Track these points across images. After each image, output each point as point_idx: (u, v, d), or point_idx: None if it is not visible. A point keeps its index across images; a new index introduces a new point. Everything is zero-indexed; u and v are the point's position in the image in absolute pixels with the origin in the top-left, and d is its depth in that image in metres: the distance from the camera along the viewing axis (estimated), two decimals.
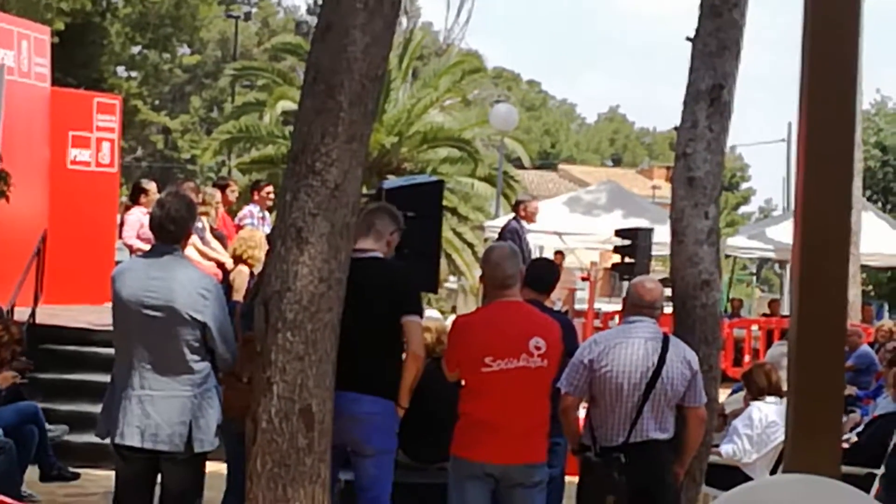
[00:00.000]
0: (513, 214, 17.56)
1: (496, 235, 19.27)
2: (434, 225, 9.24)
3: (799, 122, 3.05)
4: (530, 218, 16.71)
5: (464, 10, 51.16)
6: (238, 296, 12.07)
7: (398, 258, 8.09)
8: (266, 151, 31.94)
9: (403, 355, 7.35)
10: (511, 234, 15.79)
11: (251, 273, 12.37)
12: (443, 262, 25.50)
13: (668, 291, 8.74)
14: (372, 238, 7.38)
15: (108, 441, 7.06)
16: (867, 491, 8.37)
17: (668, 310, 8.55)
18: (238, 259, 12.48)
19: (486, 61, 56.11)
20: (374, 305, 7.14)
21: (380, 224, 7.43)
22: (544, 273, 9.02)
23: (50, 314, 13.69)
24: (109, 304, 7.24)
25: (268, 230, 12.95)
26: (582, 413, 7.68)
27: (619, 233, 17.60)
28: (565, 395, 7.36)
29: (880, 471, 9.68)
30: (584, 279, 20.68)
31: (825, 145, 2.97)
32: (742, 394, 10.87)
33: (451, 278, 33.37)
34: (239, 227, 14.58)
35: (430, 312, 26.15)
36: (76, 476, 10.37)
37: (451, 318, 12.78)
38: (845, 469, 9.12)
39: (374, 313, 7.14)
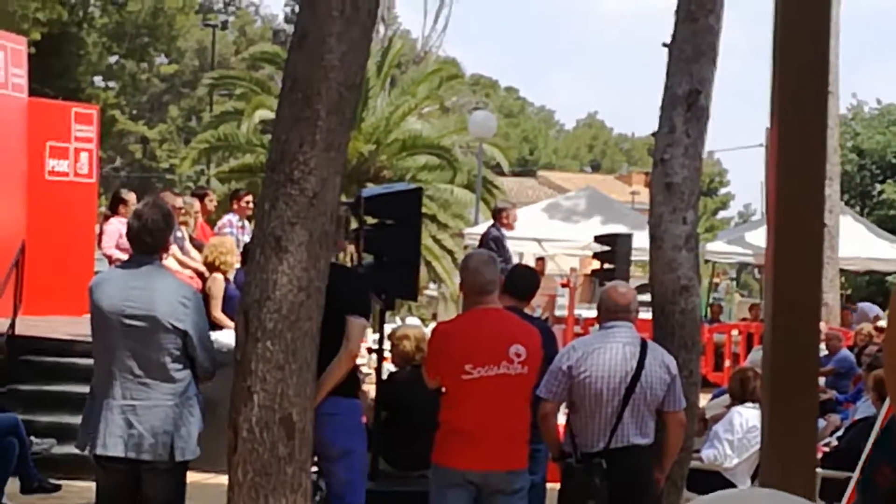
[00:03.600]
0: (492, 221, 17.56)
1: (476, 243, 19.29)
2: (413, 232, 9.25)
3: (770, 128, 3.07)
4: (510, 225, 16.74)
5: (441, 17, 51.25)
6: (215, 303, 12.06)
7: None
8: (245, 160, 31.92)
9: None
10: (493, 242, 15.81)
11: (226, 280, 12.37)
12: (422, 269, 25.51)
13: (647, 297, 8.78)
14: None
15: (88, 452, 7.05)
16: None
17: (648, 315, 8.57)
18: (211, 266, 12.47)
19: (463, 68, 56.23)
20: (327, 308, 7.09)
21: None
22: (524, 280, 9.03)
23: (29, 325, 13.64)
24: (88, 315, 7.22)
25: (247, 239, 12.95)
26: (562, 419, 7.69)
27: (598, 239, 17.59)
28: (544, 401, 7.36)
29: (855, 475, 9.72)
30: (563, 285, 20.69)
31: (797, 151, 2.99)
32: (722, 398, 10.90)
33: (432, 285, 33.40)
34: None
35: (411, 320, 26.17)
36: (57, 488, 10.34)
37: (432, 325, 12.79)
38: (825, 473, 9.16)
39: (328, 315, 7.10)
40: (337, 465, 7.22)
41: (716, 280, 34.88)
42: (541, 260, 24.81)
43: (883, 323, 22.18)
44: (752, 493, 1.80)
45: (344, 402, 7.19)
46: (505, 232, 16.60)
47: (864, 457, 4.96)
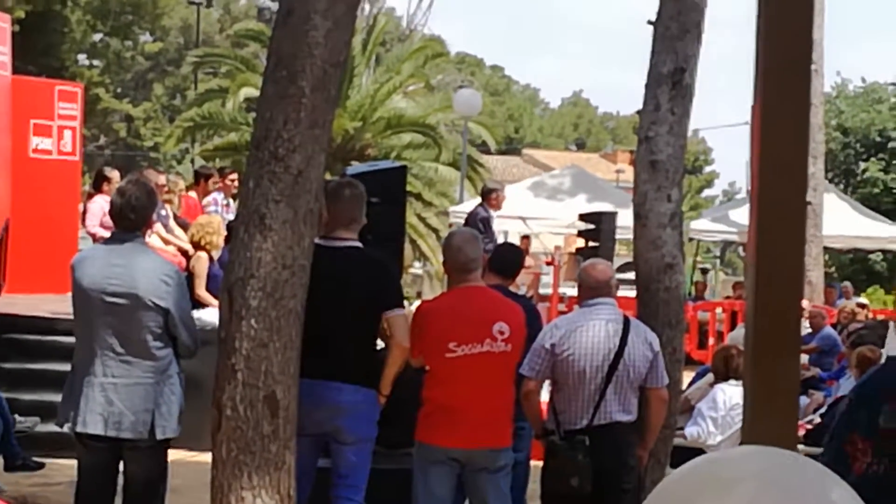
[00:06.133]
0: (479, 201, 17.52)
1: (461, 221, 19.27)
2: (398, 210, 9.23)
3: (753, 105, 3.07)
4: (498, 206, 16.74)
5: None
6: (199, 282, 12.05)
7: (363, 244, 8.08)
8: (229, 138, 31.88)
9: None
10: (481, 223, 15.78)
11: (210, 258, 12.35)
12: (407, 247, 25.51)
13: (631, 275, 8.79)
14: (352, 227, 7.35)
15: (69, 429, 7.04)
16: None
17: (632, 293, 8.57)
18: (196, 245, 12.46)
19: (448, 46, 56.08)
20: (357, 297, 7.12)
21: (359, 214, 7.40)
22: (509, 258, 9.02)
23: (12, 303, 13.61)
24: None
25: (231, 217, 12.93)
26: (545, 397, 7.71)
27: (583, 217, 17.61)
28: (527, 379, 7.37)
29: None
30: (548, 263, 20.70)
31: (780, 128, 2.99)
32: (703, 381, 10.93)
33: (416, 264, 33.41)
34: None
35: None
36: (41, 465, 10.32)
37: (417, 303, 12.79)
38: (807, 450, 9.19)
39: (357, 305, 7.12)
40: (348, 450, 7.21)
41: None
42: (526, 238, 24.80)
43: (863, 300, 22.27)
44: (732, 455, 1.79)
45: (365, 392, 7.18)
46: (493, 213, 16.59)
47: (833, 424, 4.97)
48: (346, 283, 7.09)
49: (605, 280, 7.53)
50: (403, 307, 7.44)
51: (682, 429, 9.67)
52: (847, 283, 27.53)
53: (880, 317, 19.76)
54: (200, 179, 16.14)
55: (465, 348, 7.09)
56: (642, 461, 7.65)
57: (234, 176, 15.96)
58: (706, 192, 78.96)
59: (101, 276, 6.86)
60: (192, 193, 15.92)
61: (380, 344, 7.50)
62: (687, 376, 10.22)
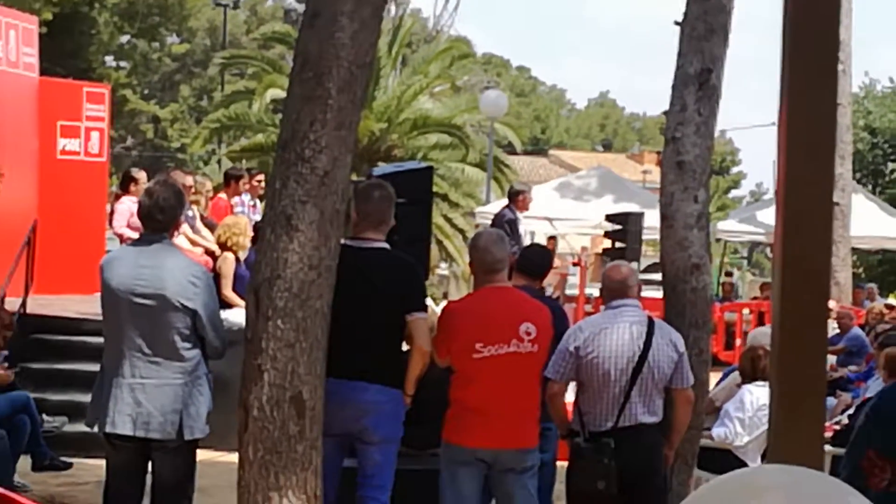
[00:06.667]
0: (506, 202, 17.49)
1: (487, 222, 19.25)
2: (424, 211, 9.23)
3: (780, 106, 3.06)
4: (525, 208, 16.72)
5: None
6: (226, 282, 12.07)
7: (389, 244, 8.09)
8: (256, 139, 31.89)
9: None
10: (508, 224, 15.75)
11: (237, 259, 12.38)
12: (434, 248, 25.50)
13: (658, 275, 8.78)
14: (380, 229, 7.36)
15: (97, 430, 7.07)
16: None
17: (659, 294, 8.55)
18: (223, 246, 12.49)
19: (475, 47, 56.15)
20: (384, 298, 7.13)
21: (388, 216, 7.41)
22: (538, 259, 9.02)
23: (41, 304, 13.67)
24: (99, 294, 7.24)
25: (258, 218, 12.95)
26: (570, 398, 7.70)
27: (609, 218, 17.58)
28: (552, 382, 7.36)
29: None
30: (574, 264, 20.68)
31: (807, 128, 2.98)
32: (728, 381, 10.89)
33: (443, 264, 33.36)
34: None
35: None
36: (69, 465, 10.37)
37: (443, 304, 12.80)
38: (834, 450, 9.15)
39: (384, 306, 7.13)
40: (374, 450, 7.22)
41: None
42: (552, 239, 24.79)
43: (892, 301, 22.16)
44: (763, 469, 1.82)
45: (390, 392, 7.19)
46: (518, 214, 16.57)
47: (850, 438, 4.94)
48: (372, 284, 7.10)
49: (625, 280, 7.52)
50: (426, 310, 7.45)
51: (709, 429, 9.64)
52: (872, 285, 27.41)
53: None
54: (231, 181, 16.14)
55: (492, 349, 7.09)
56: (668, 462, 7.64)
57: (261, 177, 15.98)
58: (733, 193, 78.72)
59: (130, 277, 6.89)
60: (223, 195, 15.93)
61: (405, 346, 7.51)
62: (714, 377, 10.19)
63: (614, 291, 7.50)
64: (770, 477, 1.70)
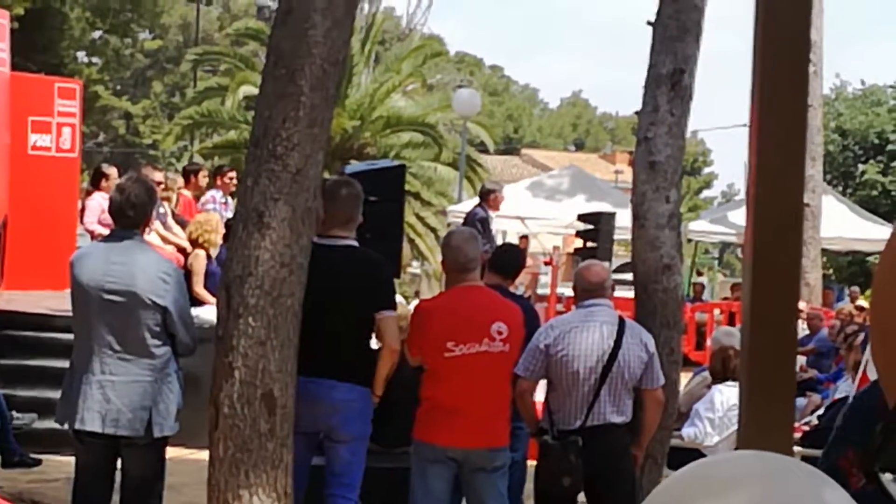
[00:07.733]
0: (478, 201, 17.50)
1: (459, 220, 19.26)
2: (396, 209, 9.23)
3: (751, 106, 3.07)
4: (496, 207, 16.72)
5: None
6: (197, 279, 12.05)
7: (360, 243, 8.09)
8: (228, 136, 31.88)
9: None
10: (480, 223, 15.76)
11: (208, 256, 12.35)
12: (406, 246, 25.50)
13: (629, 275, 8.80)
14: (348, 226, 7.35)
15: (67, 427, 7.05)
16: None
17: (630, 294, 8.57)
18: (194, 243, 12.46)
19: (448, 46, 56.06)
20: (352, 295, 7.11)
21: (356, 213, 7.41)
22: (511, 258, 9.02)
23: (10, 300, 13.61)
24: (69, 290, 7.21)
25: (230, 215, 12.93)
26: (540, 396, 7.71)
27: (581, 217, 17.63)
28: (521, 379, 7.37)
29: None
30: (546, 263, 20.72)
31: (777, 130, 2.99)
32: (694, 383, 10.92)
33: (415, 263, 33.41)
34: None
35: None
36: (38, 462, 10.33)
37: (415, 302, 12.79)
38: (804, 451, 9.20)
39: (353, 303, 7.12)
40: (343, 448, 7.21)
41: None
42: (524, 238, 24.80)
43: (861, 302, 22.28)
44: (734, 455, 1.81)
45: (359, 391, 7.19)
46: (490, 213, 16.57)
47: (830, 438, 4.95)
48: (341, 282, 7.09)
49: (600, 281, 7.54)
50: (395, 309, 7.44)
51: (679, 429, 9.67)
52: (856, 288, 27.53)
53: None
54: (189, 176, 16.11)
55: (464, 348, 7.10)
56: (637, 462, 7.66)
57: (233, 174, 15.94)
58: (705, 194, 78.96)
59: (100, 273, 6.86)
60: (186, 192, 15.89)
61: (375, 343, 7.50)
62: (684, 377, 10.22)
63: (587, 291, 7.52)
64: (739, 468, 1.68)
